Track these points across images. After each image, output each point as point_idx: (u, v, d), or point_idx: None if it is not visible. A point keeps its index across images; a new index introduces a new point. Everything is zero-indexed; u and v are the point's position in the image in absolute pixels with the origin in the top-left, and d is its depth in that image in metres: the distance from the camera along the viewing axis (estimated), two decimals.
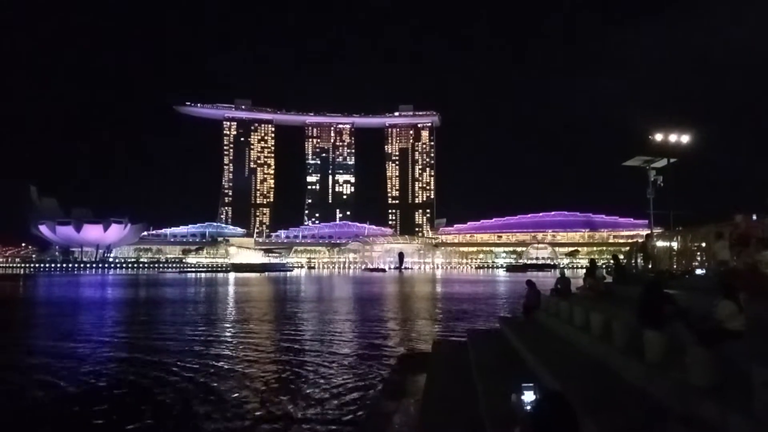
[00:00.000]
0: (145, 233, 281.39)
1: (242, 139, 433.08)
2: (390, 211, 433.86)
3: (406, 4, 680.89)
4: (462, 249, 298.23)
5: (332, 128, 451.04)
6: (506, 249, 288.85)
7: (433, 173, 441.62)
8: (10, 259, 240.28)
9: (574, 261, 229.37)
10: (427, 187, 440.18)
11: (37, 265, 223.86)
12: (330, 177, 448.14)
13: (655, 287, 9.66)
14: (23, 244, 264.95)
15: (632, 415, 6.79)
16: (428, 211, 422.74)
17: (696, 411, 6.08)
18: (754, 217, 15.35)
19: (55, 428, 12.97)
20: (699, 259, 20.14)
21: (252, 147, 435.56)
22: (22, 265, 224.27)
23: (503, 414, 5.74)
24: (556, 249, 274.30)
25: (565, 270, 26.75)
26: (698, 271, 19.86)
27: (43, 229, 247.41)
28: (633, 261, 25.32)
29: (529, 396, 3.48)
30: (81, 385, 16.66)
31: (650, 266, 22.40)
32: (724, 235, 15.10)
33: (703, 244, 19.61)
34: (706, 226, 19.19)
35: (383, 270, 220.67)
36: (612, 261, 25.02)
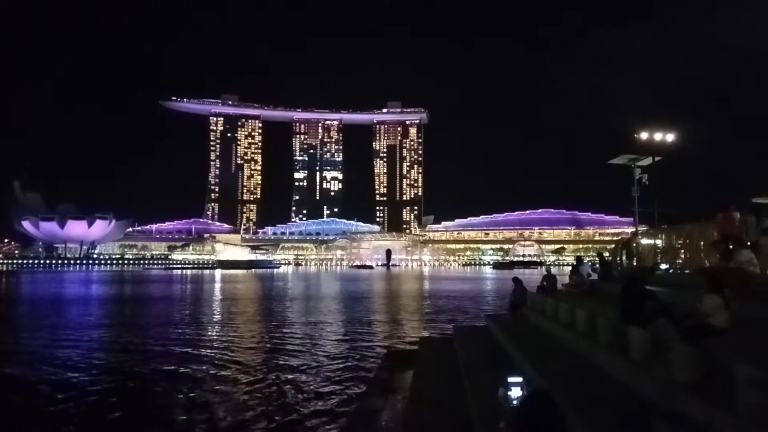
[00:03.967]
0: (130, 229, 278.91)
1: (229, 134, 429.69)
2: (378, 208, 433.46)
3: (397, 1, 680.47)
4: (449, 246, 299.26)
5: (320, 124, 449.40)
6: (493, 246, 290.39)
7: (420, 170, 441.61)
8: None
9: (561, 258, 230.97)
10: (415, 184, 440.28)
11: (20, 261, 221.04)
12: (317, 173, 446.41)
13: (635, 283, 9.67)
14: (6, 240, 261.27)
15: (617, 412, 6.84)
16: (416, 208, 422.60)
17: (680, 407, 6.13)
18: (738, 216, 15.42)
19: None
20: (683, 256, 20.36)
21: (239, 143, 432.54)
22: (5, 261, 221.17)
23: (490, 409, 5.75)
24: (543, 246, 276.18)
25: (552, 267, 26.97)
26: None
27: (27, 224, 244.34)
28: (618, 259, 25.50)
29: (516, 391, 3.48)
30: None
31: (635, 264, 22.59)
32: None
33: (687, 242, 19.82)
34: (690, 224, 19.38)
35: (371, 267, 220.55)
36: (597, 258, 25.20)
